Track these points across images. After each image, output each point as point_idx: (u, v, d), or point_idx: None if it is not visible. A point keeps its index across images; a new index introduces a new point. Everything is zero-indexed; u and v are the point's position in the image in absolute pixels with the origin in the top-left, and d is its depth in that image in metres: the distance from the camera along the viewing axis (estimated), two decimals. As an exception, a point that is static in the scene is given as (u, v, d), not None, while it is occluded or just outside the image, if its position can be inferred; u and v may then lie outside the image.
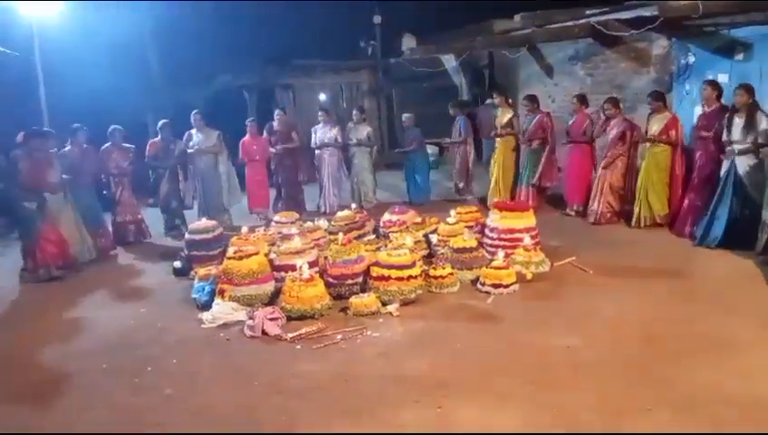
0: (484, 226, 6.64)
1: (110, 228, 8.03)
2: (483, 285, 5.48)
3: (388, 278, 5.19)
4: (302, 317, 4.93)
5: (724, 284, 5.46)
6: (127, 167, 8.12)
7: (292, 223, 6.96)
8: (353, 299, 5.13)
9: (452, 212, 6.84)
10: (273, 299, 5.36)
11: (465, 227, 6.52)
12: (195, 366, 4.28)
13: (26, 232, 6.57)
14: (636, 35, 9.00)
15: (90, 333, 5.05)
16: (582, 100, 8.50)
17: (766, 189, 5.99)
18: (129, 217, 8.18)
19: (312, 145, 9.79)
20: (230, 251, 5.72)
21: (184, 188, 8.72)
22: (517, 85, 11.66)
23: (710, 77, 7.65)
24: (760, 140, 6.10)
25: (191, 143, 8.71)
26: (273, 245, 6.17)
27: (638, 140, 7.69)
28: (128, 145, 8.21)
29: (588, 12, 10.08)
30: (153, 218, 8.66)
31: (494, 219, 6.38)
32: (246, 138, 9.27)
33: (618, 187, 7.89)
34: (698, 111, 7.30)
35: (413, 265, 5.33)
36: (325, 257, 5.75)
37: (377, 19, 15.24)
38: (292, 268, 5.42)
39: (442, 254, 6.09)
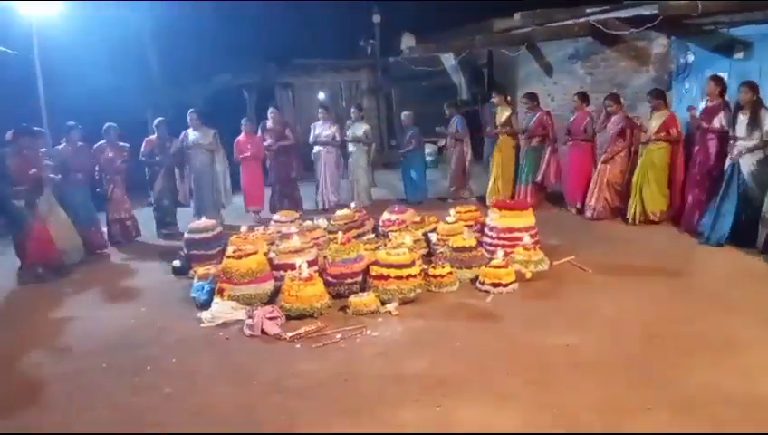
0: (483, 225, 6.64)
1: (103, 226, 8.02)
2: (482, 284, 5.48)
3: (387, 277, 5.19)
4: (302, 316, 4.93)
5: (724, 282, 5.46)
6: (120, 165, 8.09)
7: (291, 222, 6.96)
8: (352, 298, 5.13)
9: (451, 211, 6.84)
10: (272, 298, 5.35)
11: (465, 226, 6.52)
12: (194, 365, 4.28)
13: (17, 230, 6.52)
14: (635, 34, 9.01)
15: (89, 332, 5.04)
16: (583, 97, 8.52)
17: None
18: (122, 215, 8.16)
19: (310, 141, 9.82)
20: (229, 250, 5.72)
21: (180, 186, 8.72)
22: (516, 84, 11.66)
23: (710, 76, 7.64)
24: (764, 137, 6.10)
25: (187, 142, 8.72)
26: (272, 244, 6.17)
27: (638, 138, 7.71)
28: (122, 143, 8.19)
29: (588, 10, 10.08)
30: (147, 217, 8.66)
31: (494, 218, 6.38)
32: (241, 137, 9.29)
33: (616, 183, 7.92)
34: (701, 105, 7.31)
35: (412, 264, 5.33)
36: (324, 256, 5.74)
37: (376, 18, 15.22)
38: (292, 267, 5.42)
39: (441, 253, 6.09)
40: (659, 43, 9.22)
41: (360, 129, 9.82)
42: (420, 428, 3.33)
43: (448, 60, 13.85)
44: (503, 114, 9.15)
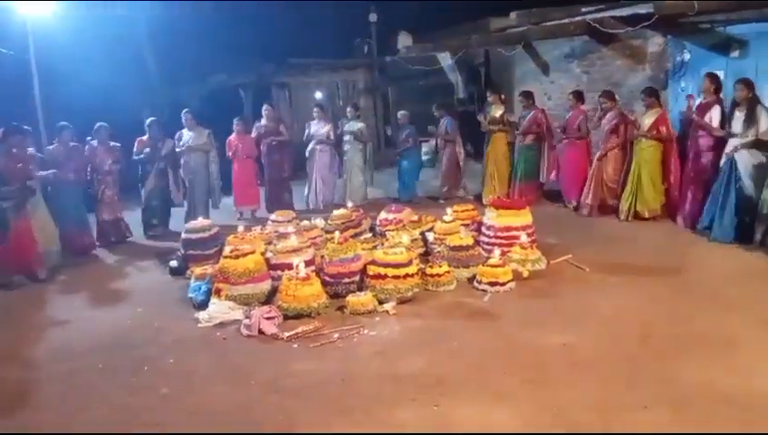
0: (480, 224, 6.64)
1: (94, 227, 7.98)
2: (479, 283, 5.48)
3: (384, 277, 5.18)
4: (299, 316, 4.92)
5: (721, 279, 5.46)
6: (111, 165, 8.05)
7: (288, 222, 6.95)
8: (350, 298, 5.12)
9: (448, 210, 6.83)
10: (269, 298, 5.34)
11: (462, 225, 6.53)
12: (191, 365, 4.28)
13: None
14: (631, 33, 9.02)
15: (84, 332, 5.03)
16: (578, 96, 8.55)
17: (766, 183, 6.04)
18: (112, 216, 8.12)
19: (305, 139, 9.84)
20: (226, 250, 5.71)
21: (173, 186, 8.71)
22: (513, 83, 11.68)
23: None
24: (760, 135, 6.13)
25: (182, 142, 8.72)
26: (269, 243, 6.16)
27: (632, 134, 7.75)
28: (114, 143, 8.15)
29: (583, 9, 10.10)
30: (138, 219, 8.63)
31: (491, 217, 6.38)
32: (233, 136, 9.30)
33: (610, 180, 7.98)
34: (697, 102, 7.34)
35: (410, 263, 5.33)
36: (322, 256, 5.74)
37: (373, 17, 15.21)
38: (289, 267, 5.41)
39: (438, 252, 6.09)
40: (655, 42, 9.23)
41: (356, 127, 9.84)
42: (418, 427, 3.33)
43: (445, 59, 13.85)
44: (496, 112, 9.21)
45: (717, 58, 8.16)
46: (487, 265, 5.55)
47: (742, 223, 6.31)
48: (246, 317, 4.85)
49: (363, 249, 5.77)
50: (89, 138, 8.00)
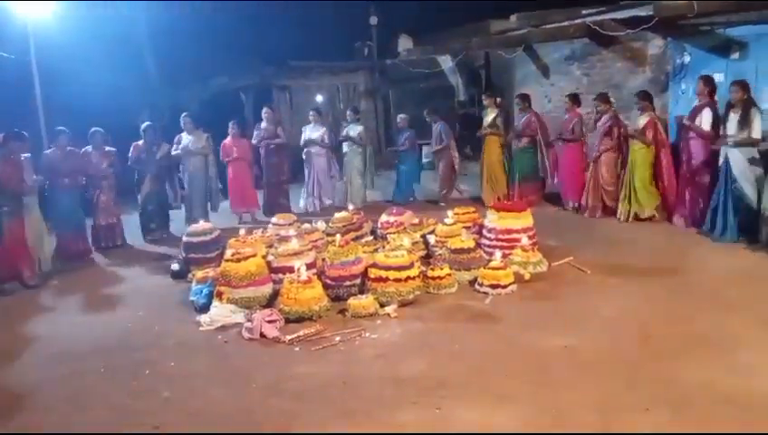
0: (481, 226, 6.64)
1: (89, 232, 7.98)
2: (481, 285, 5.48)
3: (386, 279, 5.18)
4: (301, 319, 4.92)
5: (722, 280, 5.46)
6: (106, 169, 8.05)
7: (289, 225, 6.96)
8: (351, 301, 5.12)
9: (449, 213, 6.84)
10: (271, 301, 5.34)
11: (463, 227, 6.53)
12: (193, 369, 4.27)
13: None
14: (632, 35, 9.05)
15: (86, 336, 5.03)
16: (574, 99, 8.65)
17: (766, 183, 6.11)
18: (107, 221, 8.11)
19: (301, 143, 9.89)
20: (228, 253, 5.71)
21: (170, 190, 8.73)
22: (514, 85, 11.70)
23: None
24: (753, 136, 6.22)
25: (181, 146, 8.74)
26: (270, 247, 6.17)
27: (626, 136, 7.84)
28: (109, 148, 8.16)
29: (584, 12, 10.12)
30: (137, 222, 8.65)
31: (492, 220, 6.39)
32: (228, 140, 9.33)
33: (605, 181, 8.04)
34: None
35: (411, 266, 5.33)
36: (323, 259, 5.74)
37: (373, 20, 15.25)
38: (290, 270, 5.40)
39: (440, 255, 6.09)
40: (655, 44, 9.26)
41: (355, 130, 9.87)
42: (419, 430, 3.33)
43: (446, 62, 13.88)
44: (489, 115, 9.32)
45: (717, 60, 8.18)
46: (488, 268, 5.55)
47: (743, 222, 6.35)
48: (248, 320, 4.85)
49: (364, 252, 5.77)
50: (87, 147, 7.99)
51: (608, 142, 7.96)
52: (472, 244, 6.08)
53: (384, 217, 7.14)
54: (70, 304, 5.95)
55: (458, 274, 5.70)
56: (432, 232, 6.60)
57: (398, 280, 5.17)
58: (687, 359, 3.94)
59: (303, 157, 9.93)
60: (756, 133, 6.20)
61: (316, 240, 6.43)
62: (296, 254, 5.64)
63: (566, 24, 10.16)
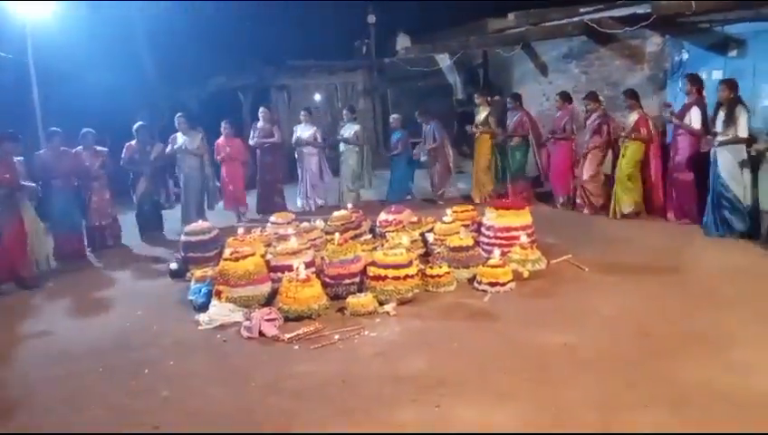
0: (480, 224, 6.64)
1: (84, 232, 7.96)
2: (479, 283, 5.49)
3: (384, 278, 5.18)
4: (300, 318, 4.92)
5: (720, 278, 5.47)
6: (98, 170, 8.02)
7: (288, 224, 6.95)
8: (350, 299, 5.12)
9: (448, 211, 6.84)
10: (269, 300, 5.34)
11: (462, 225, 6.53)
12: (192, 368, 4.27)
13: None
14: (630, 33, 9.04)
15: (84, 335, 5.03)
16: (565, 97, 8.77)
17: (760, 180, 6.26)
18: (101, 221, 8.09)
19: (293, 143, 9.95)
20: (226, 252, 5.71)
21: (163, 189, 8.74)
22: (512, 84, 11.69)
23: (704, 74, 7.76)
24: (739, 134, 6.33)
25: (176, 146, 8.75)
26: (269, 245, 6.16)
27: (616, 134, 7.95)
28: (100, 148, 8.13)
29: (582, 10, 10.12)
30: (133, 222, 8.64)
31: (491, 218, 6.38)
32: (220, 139, 9.34)
33: (594, 179, 8.10)
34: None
35: (410, 264, 5.33)
36: (322, 257, 5.74)
37: (371, 19, 15.25)
38: (289, 269, 5.41)
39: (438, 253, 6.09)
40: (654, 42, 9.25)
41: (351, 130, 9.88)
42: (419, 428, 3.33)
43: (444, 60, 13.88)
44: (481, 114, 9.40)
45: (715, 58, 8.18)
46: (487, 266, 5.55)
47: (733, 219, 6.48)
48: (247, 319, 4.85)
49: (363, 250, 5.77)
50: (78, 147, 7.96)
51: (597, 140, 8.12)
52: (470, 242, 6.08)
53: (383, 216, 7.15)
54: (68, 305, 5.95)
55: (457, 272, 5.70)
56: (431, 230, 6.61)
57: (396, 278, 5.17)
58: (685, 357, 3.94)
59: (296, 156, 9.98)
60: (743, 132, 6.33)
61: (315, 239, 6.44)
62: (295, 252, 5.64)
63: (564, 22, 10.16)
